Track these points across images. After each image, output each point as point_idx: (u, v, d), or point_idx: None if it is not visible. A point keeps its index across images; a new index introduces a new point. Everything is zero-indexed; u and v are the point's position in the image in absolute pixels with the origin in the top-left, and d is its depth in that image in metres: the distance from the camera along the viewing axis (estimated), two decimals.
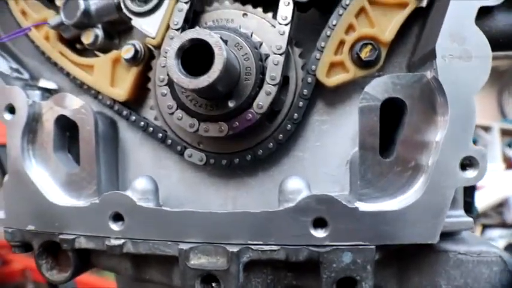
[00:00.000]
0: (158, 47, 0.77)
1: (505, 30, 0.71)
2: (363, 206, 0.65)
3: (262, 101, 0.70)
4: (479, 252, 0.67)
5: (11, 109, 0.82)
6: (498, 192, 4.05)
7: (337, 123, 0.76)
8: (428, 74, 0.66)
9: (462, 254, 0.67)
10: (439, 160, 0.63)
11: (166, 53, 0.72)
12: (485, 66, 0.64)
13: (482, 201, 4.08)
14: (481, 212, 3.94)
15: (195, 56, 0.63)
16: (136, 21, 0.78)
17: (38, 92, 0.87)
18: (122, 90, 0.84)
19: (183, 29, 0.75)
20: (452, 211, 0.70)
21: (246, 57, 0.69)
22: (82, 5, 0.83)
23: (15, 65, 0.94)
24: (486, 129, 5.06)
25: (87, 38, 0.85)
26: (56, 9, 0.88)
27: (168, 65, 0.61)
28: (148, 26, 0.77)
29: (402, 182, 0.66)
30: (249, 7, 0.78)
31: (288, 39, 0.71)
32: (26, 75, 0.93)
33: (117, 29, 0.87)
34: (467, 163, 0.64)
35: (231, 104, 0.68)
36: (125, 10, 0.78)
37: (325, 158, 0.77)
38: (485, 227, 3.90)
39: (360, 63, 0.72)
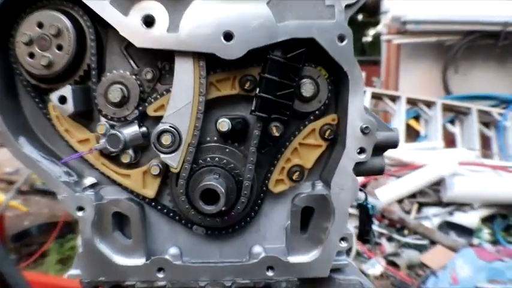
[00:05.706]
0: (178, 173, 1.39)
1: (374, 171, 1.41)
2: (291, 259, 1.39)
3: (240, 205, 1.37)
4: (350, 280, 1.44)
5: (81, 208, 1.42)
6: (436, 170, 4.95)
7: (278, 211, 1.47)
8: (327, 193, 1.36)
9: (341, 280, 1.43)
10: (329, 238, 1.36)
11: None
12: (353, 194, 1.34)
13: (421, 179, 5.02)
14: (419, 191, 4.84)
15: None
16: (163, 156, 1.38)
17: (91, 193, 1.46)
18: (150, 191, 1.46)
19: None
20: (338, 257, 1.45)
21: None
22: (122, 139, 1.41)
23: (65, 169, 1.50)
24: (429, 104, 5.68)
25: (125, 159, 1.45)
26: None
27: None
28: (172, 160, 1.38)
29: (311, 247, 1.39)
30: (230, 142, 1.41)
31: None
32: (74, 177, 1.50)
33: (141, 147, 1.46)
34: (343, 240, 1.37)
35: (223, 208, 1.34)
36: (155, 150, 1.38)
37: (274, 227, 1.48)
38: (421, 205, 4.69)
39: (292, 180, 1.41)
